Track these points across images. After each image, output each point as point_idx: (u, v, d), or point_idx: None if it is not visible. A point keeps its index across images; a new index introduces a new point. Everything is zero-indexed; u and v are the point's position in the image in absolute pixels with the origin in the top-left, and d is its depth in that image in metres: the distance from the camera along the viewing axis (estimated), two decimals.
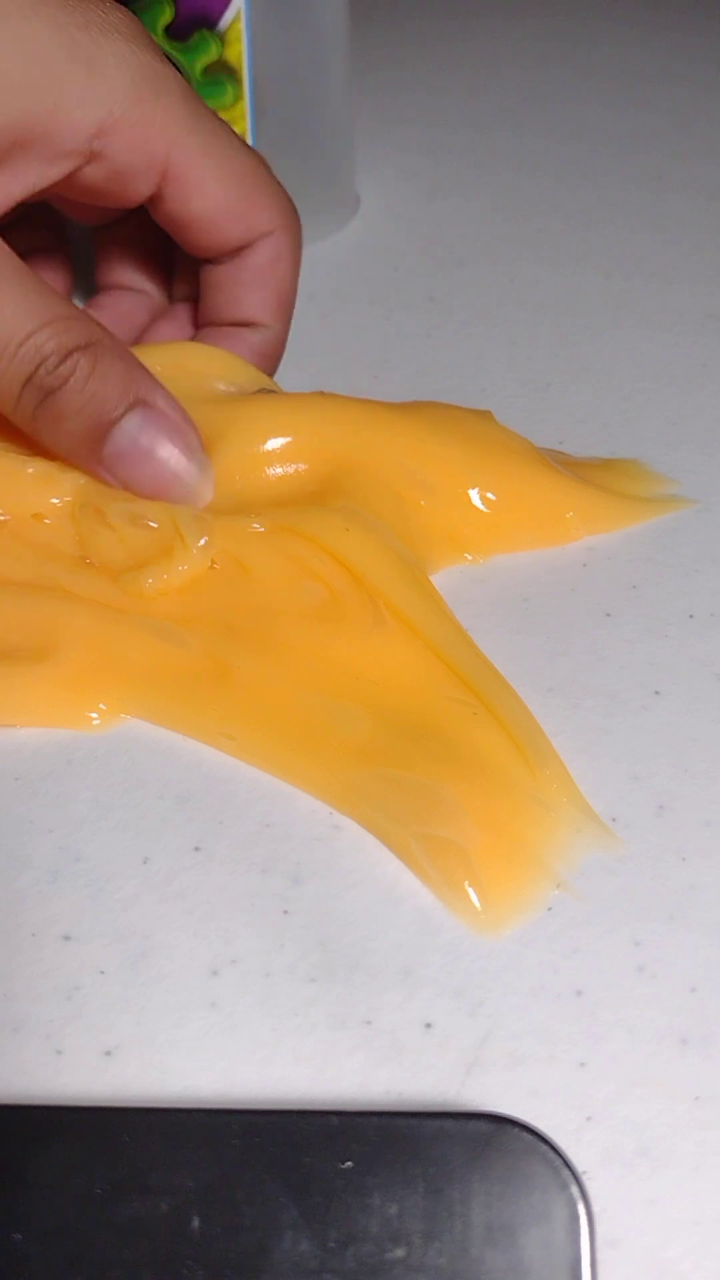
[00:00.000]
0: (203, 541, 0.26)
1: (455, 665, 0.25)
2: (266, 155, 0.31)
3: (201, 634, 0.25)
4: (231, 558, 0.26)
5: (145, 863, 0.22)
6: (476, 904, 0.22)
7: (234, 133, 0.29)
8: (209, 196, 0.28)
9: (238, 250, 0.30)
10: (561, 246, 0.41)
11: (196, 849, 0.23)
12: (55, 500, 0.27)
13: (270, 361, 0.31)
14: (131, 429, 0.26)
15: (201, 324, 0.31)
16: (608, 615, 0.27)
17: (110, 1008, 0.20)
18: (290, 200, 0.30)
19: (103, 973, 0.21)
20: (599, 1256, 0.17)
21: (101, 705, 0.25)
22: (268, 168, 0.30)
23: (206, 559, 0.26)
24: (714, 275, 0.39)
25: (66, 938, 0.21)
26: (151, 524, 0.26)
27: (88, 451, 0.26)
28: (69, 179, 0.28)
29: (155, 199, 0.29)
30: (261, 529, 0.26)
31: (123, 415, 0.26)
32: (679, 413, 0.33)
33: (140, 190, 0.28)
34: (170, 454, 0.27)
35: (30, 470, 0.27)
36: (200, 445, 0.27)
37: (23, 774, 0.24)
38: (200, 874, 0.22)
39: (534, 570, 0.28)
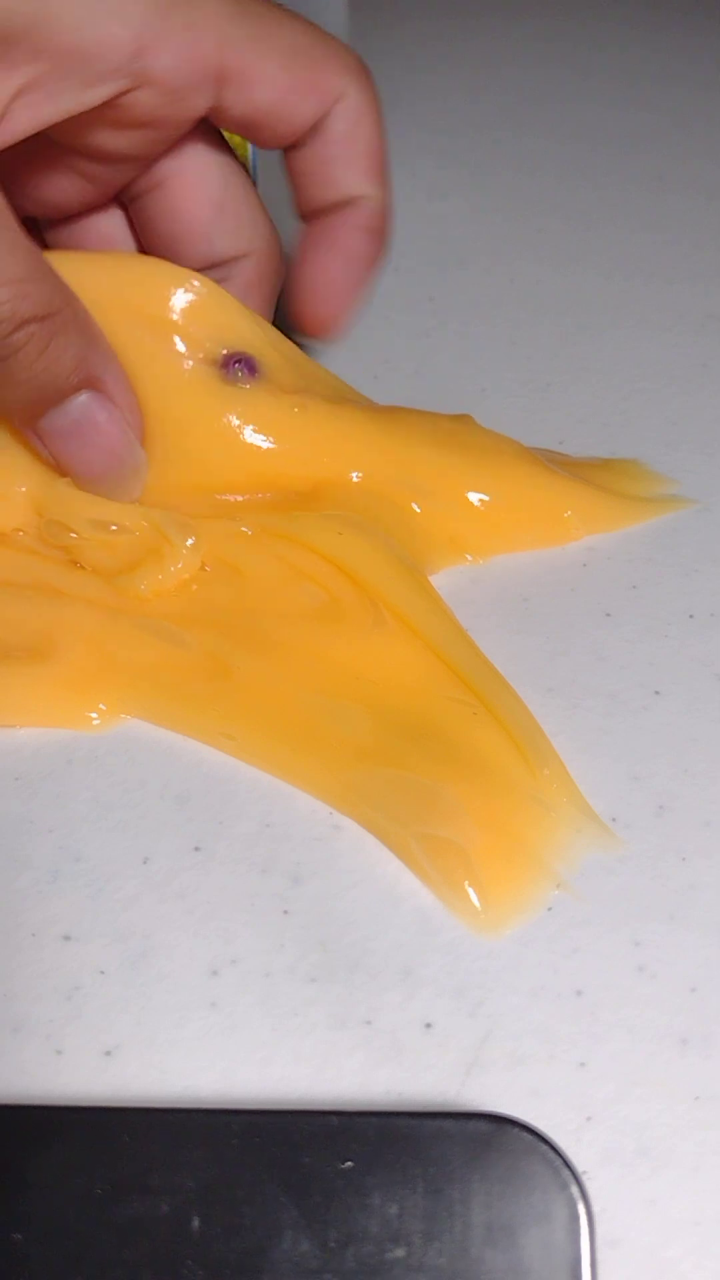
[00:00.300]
0: (190, 541, 0.26)
1: (455, 665, 0.25)
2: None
3: (200, 634, 0.25)
4: (223, 561, 0.26)
5: (145, 863, 0.22)
6: (476, 904, 0.22)
7: (276, 4, 0.26)
8: (271, 82, 0.26)
9: (315, 126, 0.27)
10: (561, 247, 0.41)
11: (196, 849, 0.23)
12: (15, 517, 0.27)
13: (380, 235, 0.28)
14: (74, 411, 0.25)
15: (303, 215, 0.28)
16: (608, 615, 0.27)
17: (110, 1008, 0.20)
18: (354, 55, 0.27)
19: (103, 973, 0.21)
20: (599, 1256, 0.17)
21: (101, 705, 0.25)
22: (319, 29, 0.27)
23: (197, 559, 0.26)
24: (714, 275, 0.39)
25: (66, 938, 0.21)
26: (113, 526, 0.26)
27: (23, 420, 0.25)
28: (114, 108, 0.25)
29: (217, 108, 0.26)
30: (249, 531, 0.26)
31: (69, 394, 0.25)
32: (679, 413, 0.33)
33: (198, 104, 0.26)
34: (107, 445, 0.26)
35: None
36: (140, 439, 0.26)
37: (23, 774, 0.24)
38: (200, 874, 0.22)
39: (534, 570, 0.28)
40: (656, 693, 0.25)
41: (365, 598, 0.26)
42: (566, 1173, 0.16)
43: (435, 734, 0.24)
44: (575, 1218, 0.16)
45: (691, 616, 0.27)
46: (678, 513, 0.30)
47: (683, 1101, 0.19)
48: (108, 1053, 0.20)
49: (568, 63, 0.54)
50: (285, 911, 0.22)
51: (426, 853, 0.22)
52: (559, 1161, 0.16)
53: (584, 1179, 0.17)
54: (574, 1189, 0.16)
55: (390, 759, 0.23)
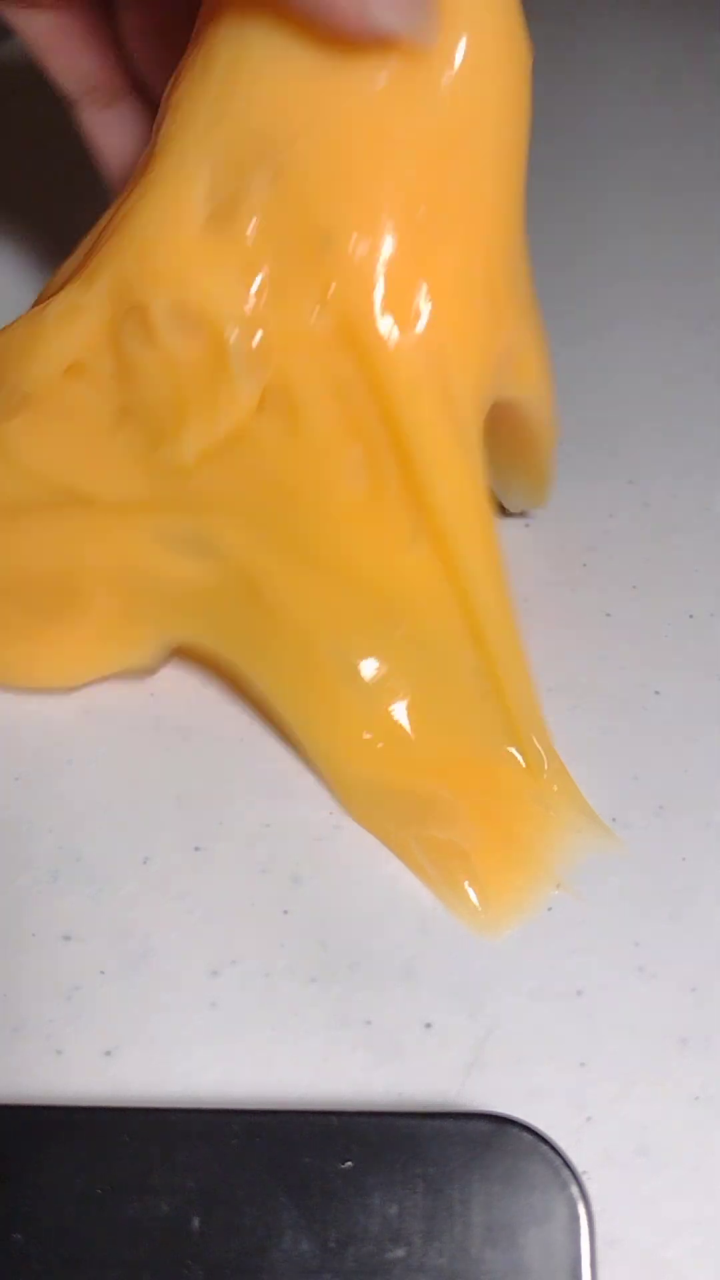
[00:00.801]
0: (259, 337, 0.22)
1: (479, 617, 0.24)
2: None
3: (232, 534, 0.24)
4: (285, 390, 0.23)
5: (145, 863, 0.22)
6: (476, 904, 0.22)
7: None
8: None
9: None
10: (561, 246, 0.41)
11: (196, 849, 0.23)
12: (89, 320, 0.23)
13: None
14: None
15: None
16: (608, 615, 0.27)
17: (110, 1008, 0.20)
18: None
19: (103, 973, 0.21)
20: (599, 1256, 0.17)
21: (144, 643, 0.24)
22: None
23: (256, 384, 0.23)
24: (714, 275, 0.39)
25: (66, 938, 0.21)
26: (191, 316, 0.22)
27: None
28: None
29: None
30: (321, 317, 0.22)
31: None
32: (679, 413, 0.33)
33: None
34: None
35: (51, 312, 0.23)
36: None
37: (23, 774, 0.24)
38: (200, 874, 0.22)
39: (534, 570, 0.28)
40: (656, 693, 0.25)
41: (407, 492, 0.24)
42: (566, 1173, 0.16)
43: (443, 707, 0.23)
44: (575, 1218, 0.16)
45: (691, 616, 0.27)
46: (677, 513, 0.30)
47: (683, 1101, 0.19)
48: (108, 1053, 0.20)
49: (569, 63, 0.55)
50: (285, 911, 0.22)
51: (426, 853, 0.22)
52: (559, 1161, 0.16)
53: (584, 1179, 0.17)
54: (574, 1189, 0.16)
55: (400, 741, 0.23)
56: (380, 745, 0.23)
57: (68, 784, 0.24)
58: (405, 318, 0.23)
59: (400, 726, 0.23)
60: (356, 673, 0.23)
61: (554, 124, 0.50)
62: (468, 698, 0.24)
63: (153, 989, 0.21)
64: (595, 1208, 0.18)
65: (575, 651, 0.26)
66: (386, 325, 0.22)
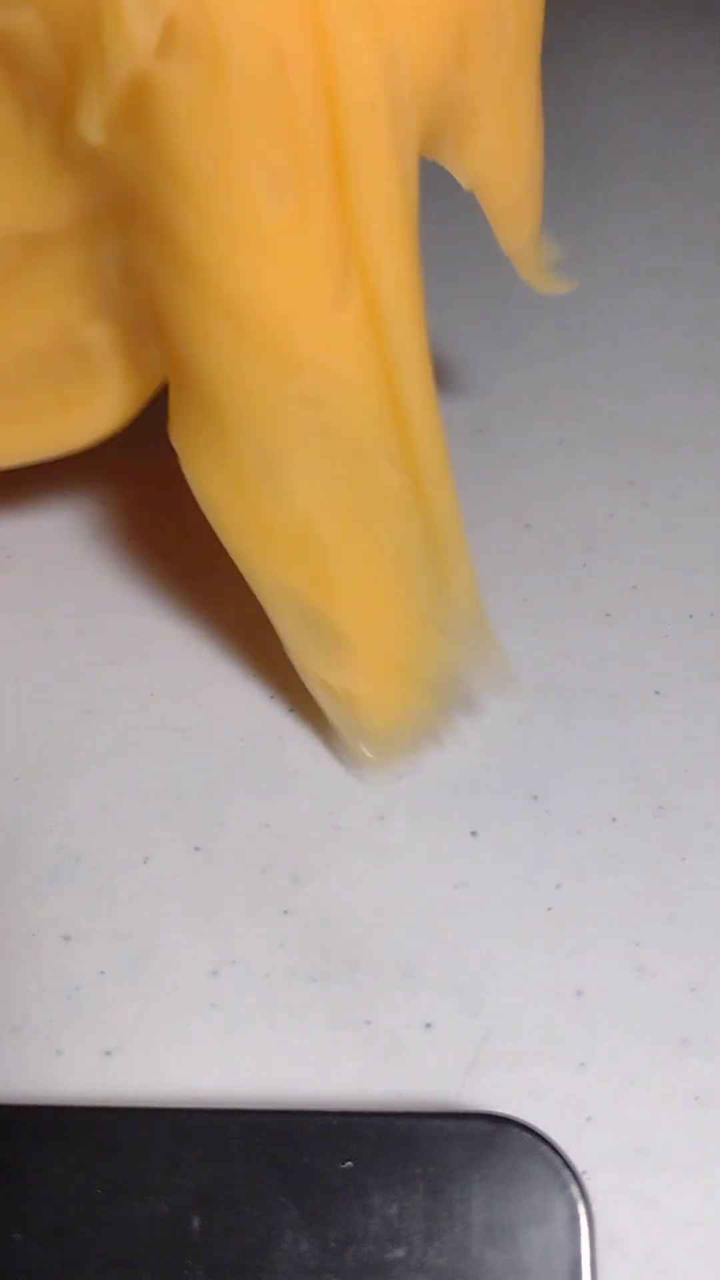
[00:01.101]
0: None
1: (405, 406, 0.21)
2: None
3: (145, 244, 0.20)
4: (200, 26, 0.18)
5: (145, 863, 0.22)
6: (369, 756, 0.23)
7: None
8: None
9: None
10: (561, 246, 0.41)
11: (196, 849, 0.23)
12: None
13: None
14: None
15: None
16: (608, 615, 0.27)
17: (110, 1008, 0.20)
18: None
19: (103, 973, 0.21)
20: (599, 1256, 0.17)
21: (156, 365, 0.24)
22: None
23: (153, 20, 0.18)
24: (714, 276, 0.39)
25: (66, 938, 0.21)
26: None
27: None
28: None
29: None
30: None
31: None
32: (679, 413, 0.33)
33: None
34: None
35: None
36: None
37: (23, 774, 0.24)
38: (200, 874, 0.22)
39: (534, 570, 0.28)
40: (656, 693, 0.25)
41: (338, 231, 0.20)
42: (566, 1173, 0.16)
43: (360, 508, 0.22)
44: (575, 1218, 0.16)
45: (691, 616, 0.27)
46: (677, 513, 0.30)
47: (683, 1101, 0.19)
48: (108, 1053, 0.20)
49: (565, 63, 0.55)
50: (285, 911, 0.22)
51: (324, 696, 0.23)
52: (559, 1161, 0.16)
53: (584, 1179, 0.17)
54: (574, 1189, 0.16)
55: (314, 537, 0.22)
56: (293, 547, 0.22)
57: (68, 784, 0.24)
58: (372, 10, 0.18)
59: (315, 527, 0.21)
60: (275, 466, 0.21)
61: (554, 123, 0.51)
62: (387, 499, 0.22)
63: (153, 989, 0.21)
64: (595, 1208, 0.18)
65: (575, 651, 0.26)
66: (355, 9, 0.18)
